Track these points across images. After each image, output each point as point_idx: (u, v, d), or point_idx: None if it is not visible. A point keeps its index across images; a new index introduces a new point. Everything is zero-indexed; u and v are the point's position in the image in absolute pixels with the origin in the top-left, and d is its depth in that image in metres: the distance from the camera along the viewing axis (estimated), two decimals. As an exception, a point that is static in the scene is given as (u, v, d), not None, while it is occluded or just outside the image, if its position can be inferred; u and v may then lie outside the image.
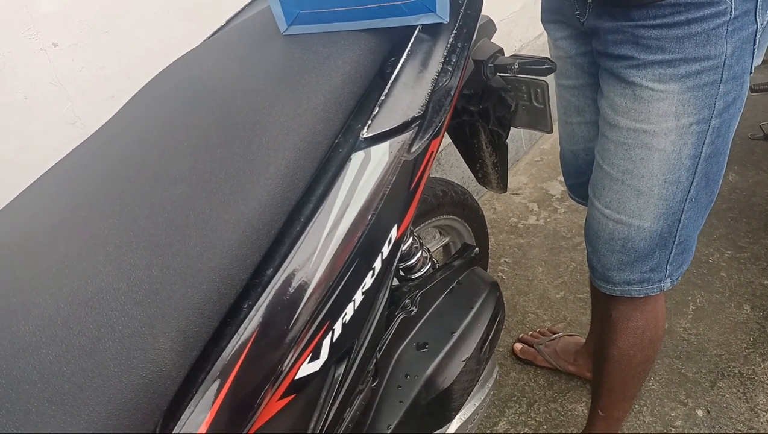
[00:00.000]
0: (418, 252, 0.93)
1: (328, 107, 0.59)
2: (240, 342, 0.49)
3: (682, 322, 1.54)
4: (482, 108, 0.90)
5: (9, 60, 0.94)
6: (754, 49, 0.76)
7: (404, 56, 0.64)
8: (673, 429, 1.31)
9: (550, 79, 0.84)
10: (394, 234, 0.65)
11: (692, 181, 0.82)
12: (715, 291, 1.62)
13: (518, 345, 1.53)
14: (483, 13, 0.77)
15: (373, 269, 0.63)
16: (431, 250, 1.02)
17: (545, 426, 1.36)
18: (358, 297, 0.62)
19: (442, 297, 0.92)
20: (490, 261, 1.64)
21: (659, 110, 0.78)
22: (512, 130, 0.94)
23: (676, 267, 0.92)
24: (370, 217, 0.58)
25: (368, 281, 0.62)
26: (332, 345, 0.59)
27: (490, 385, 0.96)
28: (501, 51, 0.86)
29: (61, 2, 0.97)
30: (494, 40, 0.90)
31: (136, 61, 1.09)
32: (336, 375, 0.64)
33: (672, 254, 0.89)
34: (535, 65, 0.81)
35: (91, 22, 1.02)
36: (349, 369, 0.67)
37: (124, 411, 0.42)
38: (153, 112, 0.64)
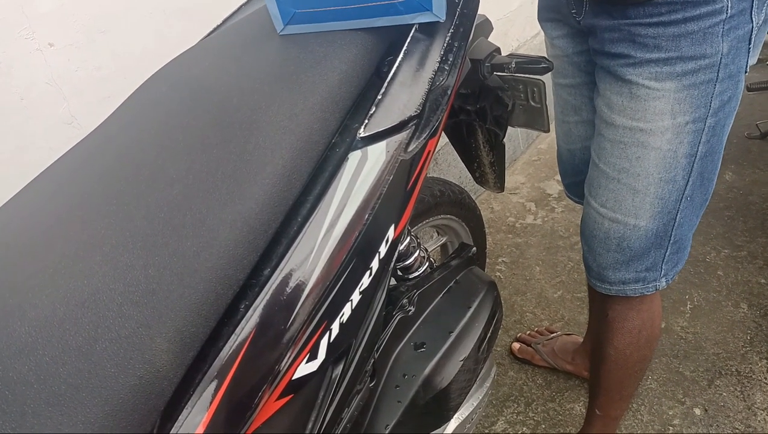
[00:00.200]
0: (415, 251, 0.93)
1: (324, 106, 0.58)
2: (237, 342, 0.49)
3: (679, 321, 1.55)
4: (479, 107, 0.90)
5: (5, 60, 0.94)
6: (749, 48, 0.76)
7: (401, 55, 0.64)
8: (670, 427, 1.31)
9: (547, 78, 0.85)
10: (391, 233, 0.65)
11: (688, 180, 0.82)
12: (712, 289, 1.62)
13: (516, 345, 1.53)
14: (480, 12, 0.77)
15: (371, 269, 0.63)
16: (429, 250, 1.02)
17: (543, 426, 1.36)
18: (356, 297, 0.62)
19: (439, 297, 0.92)
20: (487, 260, 1.64)
21: (655, 108, 0.78)
22: (509, 129, 0.94)
23: (672, 267, 0.92)
24: (367, 216, 0.58)
25: (365, 281, 0.62)
26: (330, 345, 0.59)
27: (488, 385, 0.96)
28: (498, 50, 0.86)
29: (57, 2, 0.97)
30: (491, 39, 0.90)
31: (133, 61, 1.09)
32: (334, 375, 0.64)
33: (667, 253, 0.89)
34: (532, 64, 0.81)
35: (87, 22, 1.02)
36: (347, 369, 0.67)
37: (120, 412, 0.42)
38: (149, 112, 0.64)
